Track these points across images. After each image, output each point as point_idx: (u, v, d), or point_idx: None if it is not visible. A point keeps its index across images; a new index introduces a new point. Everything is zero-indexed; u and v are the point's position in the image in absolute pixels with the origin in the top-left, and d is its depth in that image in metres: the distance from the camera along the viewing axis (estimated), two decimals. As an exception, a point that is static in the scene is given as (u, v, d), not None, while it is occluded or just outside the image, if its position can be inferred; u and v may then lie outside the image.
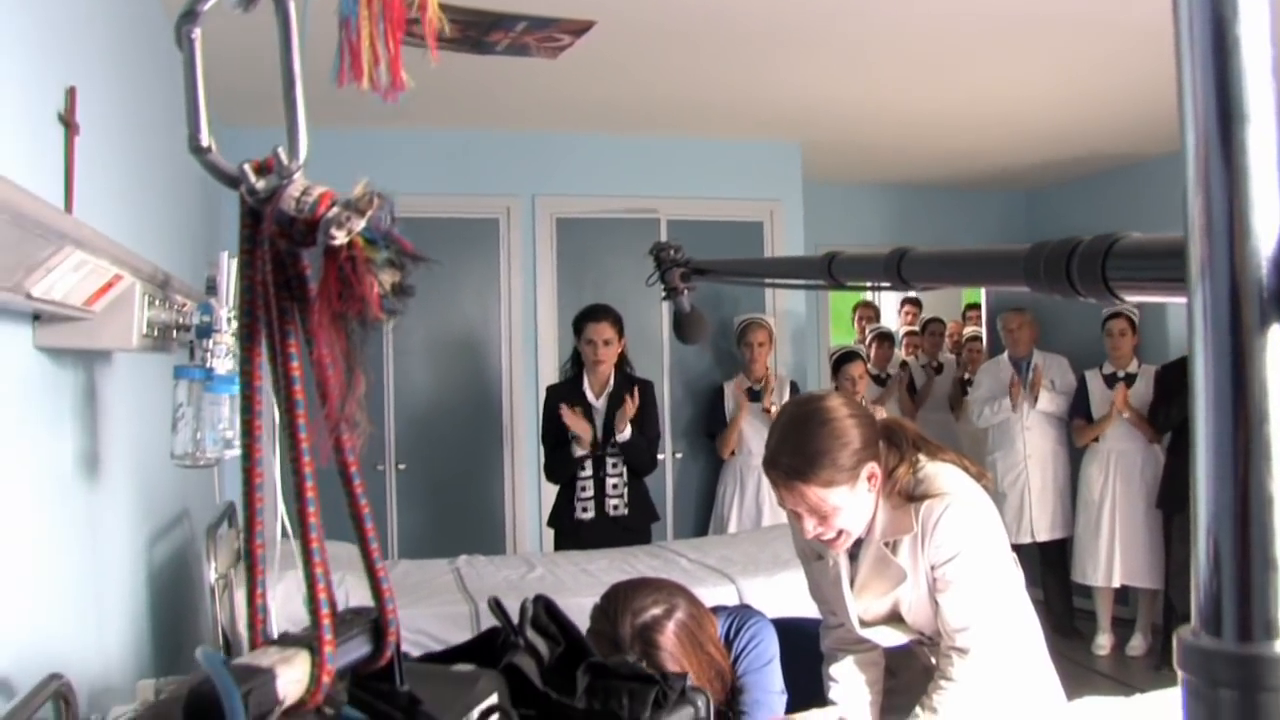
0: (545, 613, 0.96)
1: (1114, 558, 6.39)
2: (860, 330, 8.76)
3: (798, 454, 2.21)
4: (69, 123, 2.27)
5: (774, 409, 5.75)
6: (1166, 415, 6.04)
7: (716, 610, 2.50)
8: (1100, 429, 6.43)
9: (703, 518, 6.27)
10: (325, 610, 0.68)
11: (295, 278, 0.75)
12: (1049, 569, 6.84)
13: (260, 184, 0.73)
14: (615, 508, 4.99)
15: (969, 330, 8.46)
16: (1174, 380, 6.02)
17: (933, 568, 2.28)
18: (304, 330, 0.82)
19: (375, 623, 0.72)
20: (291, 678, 0.65)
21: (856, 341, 8.27)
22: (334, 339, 0.77)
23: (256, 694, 0.60)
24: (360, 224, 0.68)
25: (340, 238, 0.67)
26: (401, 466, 5.91)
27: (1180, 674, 0.50)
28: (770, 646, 2.55)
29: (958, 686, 2.27)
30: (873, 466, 2.24)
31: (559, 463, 5.03)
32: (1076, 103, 5.54)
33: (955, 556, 2.24)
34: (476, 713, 0.82)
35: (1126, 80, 5.05)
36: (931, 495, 2.25)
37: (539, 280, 6.11)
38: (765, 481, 5.67)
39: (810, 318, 7.27)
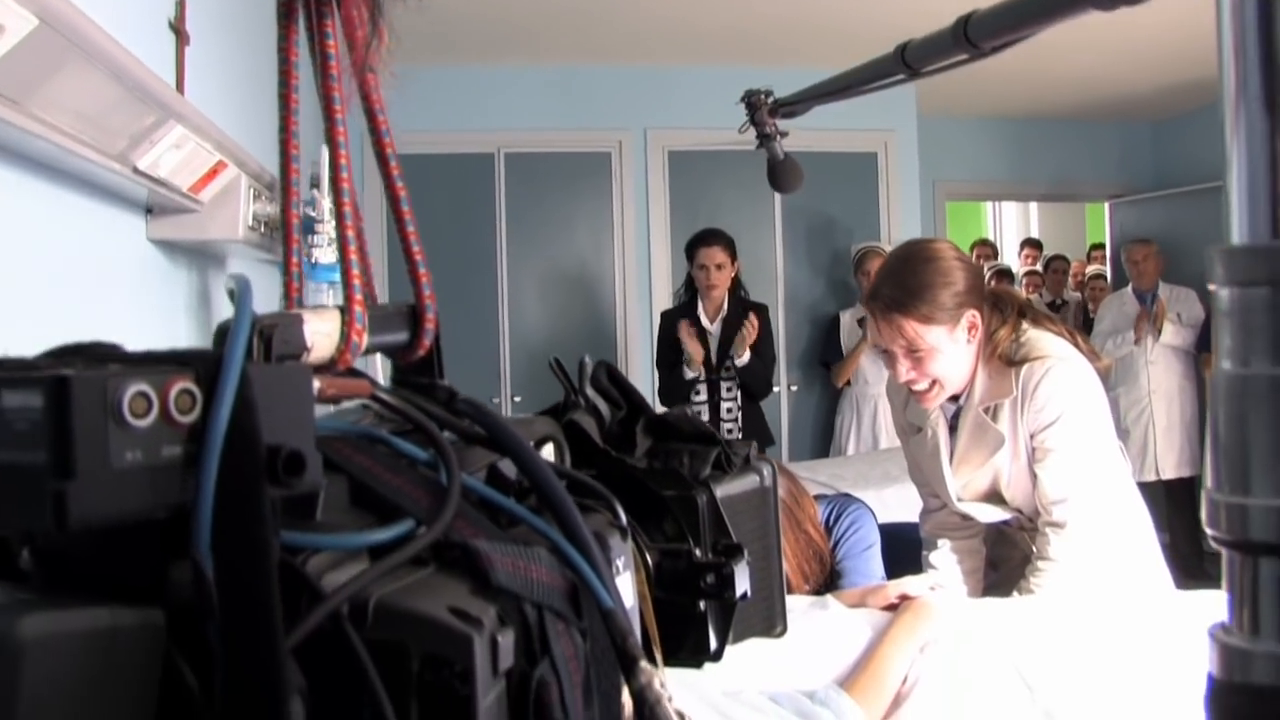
0: (607, 376, 0.88)
1: (1246, 494, 6.07)
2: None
3: (900, 286, 2.13)
4: (179, 30, 2.28)
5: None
6: None
7: (817, 498, 2.42)
8: None
9: (819, 448, 6.15)
10: (356, 271, 0.61)
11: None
12: (1176, 509, 6.52)
13: None
14: (730, 431, 4.91)
15: (1093, 269, 8.12)
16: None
17: (1032, 436, 2.17)
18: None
19: (412, 308, 0.65)
20: (320, 329, 0.58)
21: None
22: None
23: (282, 329, 0.53)
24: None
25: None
26: (517, 399, 5.92)
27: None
28: (870, 533, 2.46)
29: (1056, 566, 2.15)
30: (974, 315, 2.13)
31: (673, 385, 4.97)
32: (1199, 18, 5.22)
33: (1055, 421, 2.13)
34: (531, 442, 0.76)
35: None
36: (1033, 359, 2.13)
37: (651, 213, 6.04)
38: (883, 410, 5.65)
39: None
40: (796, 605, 1.93)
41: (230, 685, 0.40)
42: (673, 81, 5.99)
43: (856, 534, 2.40)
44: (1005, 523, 2.37)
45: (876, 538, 2.45)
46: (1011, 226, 9.75)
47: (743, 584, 0.73)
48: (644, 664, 0.52)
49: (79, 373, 0.38)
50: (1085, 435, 2.16)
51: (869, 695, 1.73)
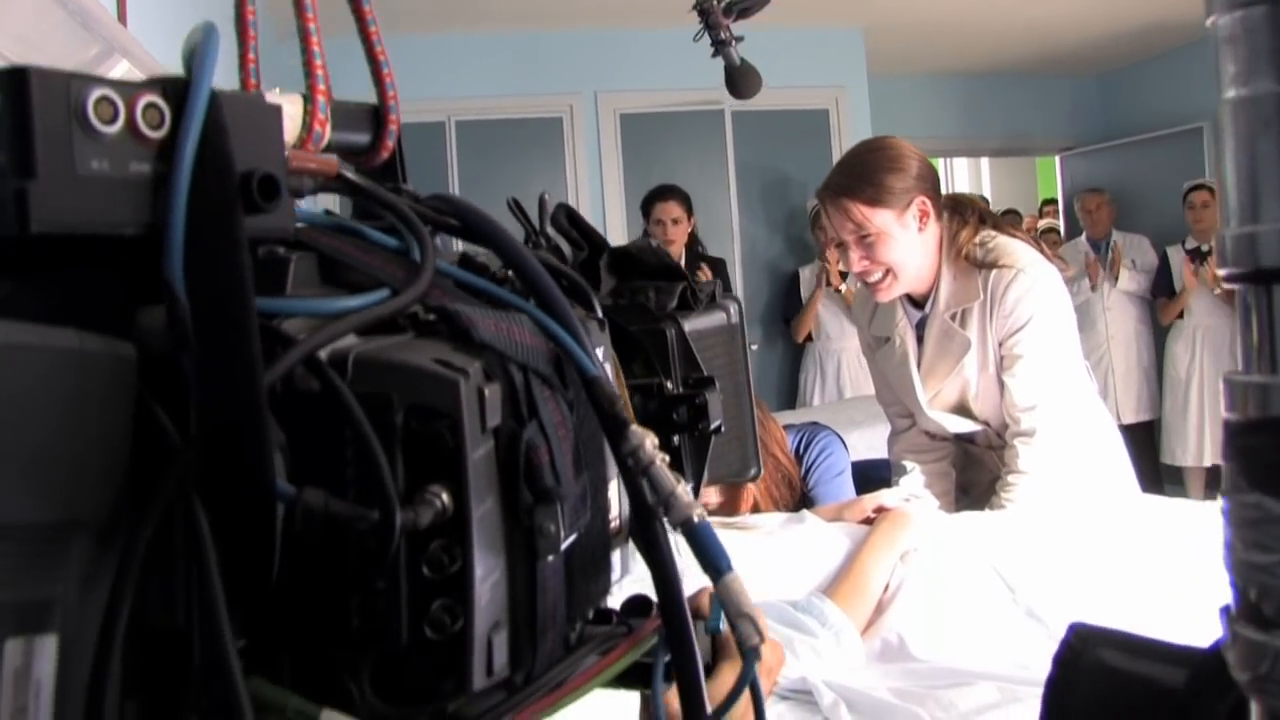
0: (566, 218, 0.87)
1: (1204, 436, 6.16)
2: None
3: (848, 172, 2.16)
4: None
5: (845, 289, 5.61)
6: None
7: (786, 428, 2.42)
8: (1184, 302, 6.18)
9: (785, 405, 6.17)
10: (319, 63, 0.58)
11: None
12: (1136, 452, 6.58)
13: None
14: (690, 390, 4.91)
15: (1045, 223, 8.19)
16: (1261, 247, 5.74)
17: (1001, 343, 2.16)
18: None
19: (375, 109, 0.63)
20: (285, 110, 0.56)
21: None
22: None
23: (246, 99, 0.51)
24: None
25: None
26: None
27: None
28: (841, 459, 2.46)
29: (1026, 478, 2.15)
30: (924, 202, 2.13)
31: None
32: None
33: (1024, 326, 2.13)
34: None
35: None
36: (1002, 265, 2.13)
37: (605, 177, 6.01)
38: (846, 365, 5.68)
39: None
40: (772, 520, 1.93)
41: (206, 420, 0.39)
42: (622, 44, 5.96)
43: (828, 460, 2.40)
44: (972, 440, 2.37)
45: (847, 464, 2.45)
46: (963, 183, 9.80)
47: (716, 415, 0.72)
48: (635, 427, 0.51)
49: (40, 68, 0.36)
50: (1054, 342, 2.17)
51: (852, 603, 1.73)
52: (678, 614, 0.52)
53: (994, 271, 2.14)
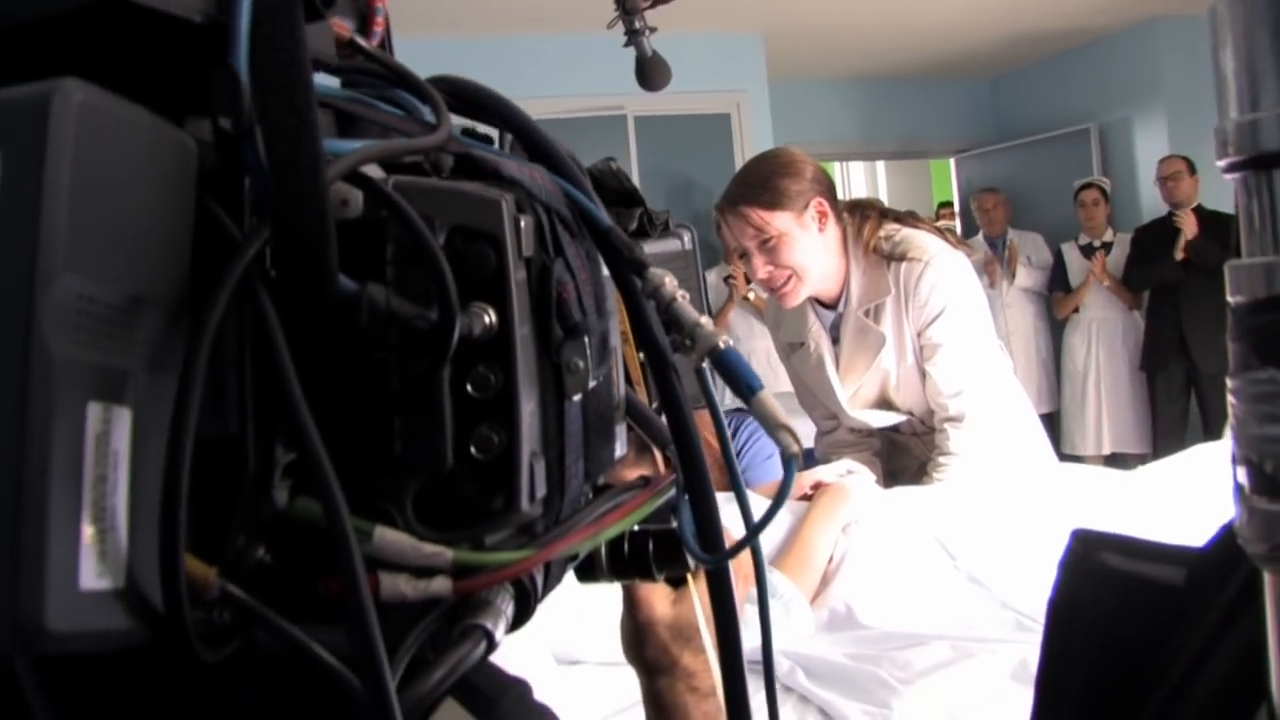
0: None
1: (1102, 425, 6.38)
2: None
3: (743, 182, 2.19)
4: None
5: (753, 296, 5.69)
6: (1144, 276, 6.00)
7: (716, 414, 2.44)
8: (1079, 297, 6.41)
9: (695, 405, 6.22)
10: None
11: None
12: (1038, 445, 6.82)
13: None
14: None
15: (942, 224, 8.38)
16: (1149, 242, 5.98)
17: (919, 334, 2.21)
18: None
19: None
20: None
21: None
22: None
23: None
24: None
25: None
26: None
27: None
28: (770, 443, 2.49)
29: (956, 459, 2.21)
30: (820, 203, 2.17)
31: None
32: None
33: (940, 314, 2.18)
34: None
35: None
36: (911, 256, 2.18)
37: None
38: (756, 365, 5.70)
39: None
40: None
41: (271, 209, 0.39)
42: (521, 50, 5.97)
43: (757, 444, 2.42)
44: (897, 429, 2.42)
45: (776, 448, 2.48)
46: (860, 186, 10.00)
47: None
48: (654, 269, 0.53)
49: None
50: (970, 326, 2.22)
51: (799, 574, 1.75)
52: (694, 454, 0.54)
53: (904, 264, 2.18)
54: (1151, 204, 6.41)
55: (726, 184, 2.25)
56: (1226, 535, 0.50)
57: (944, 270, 2.18)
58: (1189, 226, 5.64)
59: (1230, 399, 0.44)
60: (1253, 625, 0.48)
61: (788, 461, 0.48)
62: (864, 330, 2.25)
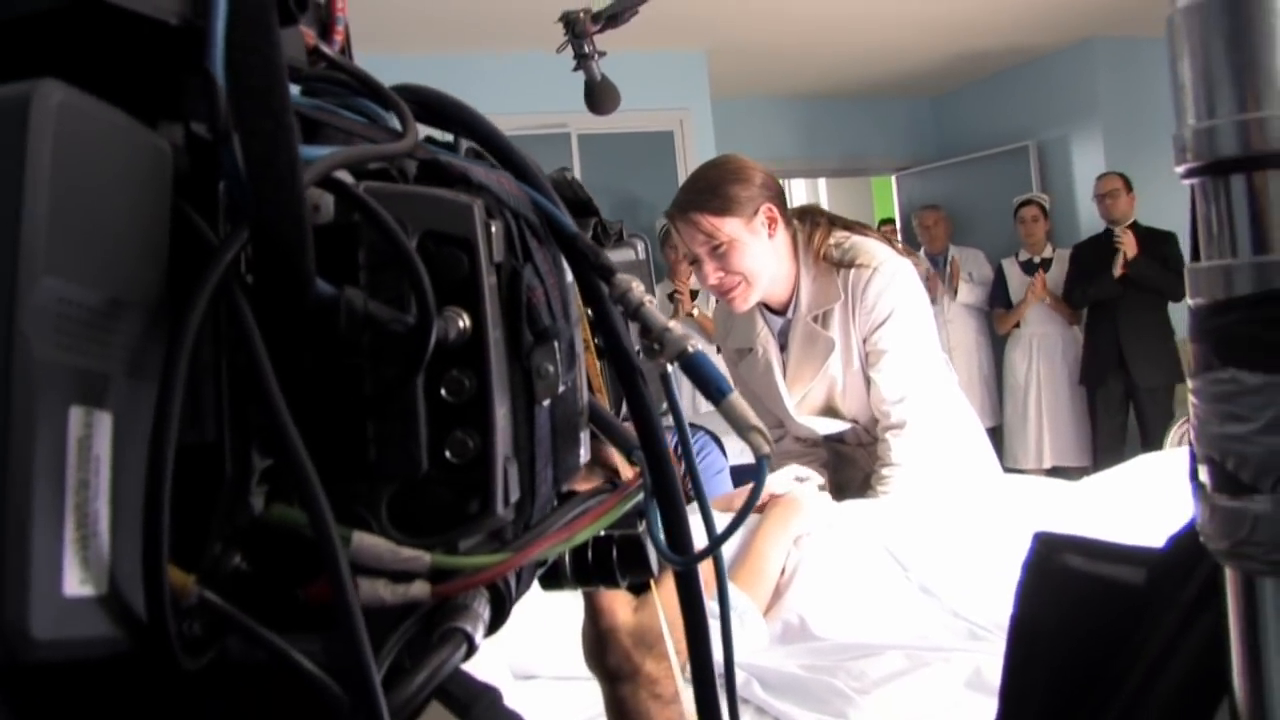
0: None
1: (1043, 440, 6.48)
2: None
3: (693, 189, 2.21)
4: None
5: (696, 313, 5.72)
6: (1084, 292, 6.08)
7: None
8: (1020, 314, 6.50)
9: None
10: None
11: None
12: (980, 459, 6.91)
13: None
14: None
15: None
16: (1088, 258, 6.07)
17: (865, 340, 2.24)
18: None
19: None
20: None
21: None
22: None
23: None
24: None
25: None
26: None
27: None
28: (719, 459, 2.50)
29: (900, 469, 2.22)
30: (770, 209, 2.19)
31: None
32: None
33: (886, 320, 2.20)
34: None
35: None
36: (860, 263, 2.21)
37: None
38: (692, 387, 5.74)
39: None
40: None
41: (248, 213, 0.40)
42: (463, 69, 5.96)
43: (706, 459, 2.43)
44: (842, 440, 2.44)
45: (725, 463, 2.49)
46: (802, 203, 10.07)
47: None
48: (621, 274, 0.53)
49: None
50: (916, 333, 2.25)
51: (751, 587, 1.76)
52: (661, 457, 0.55)
53: (852, 270, 2.21)
54: (1090, 220, 6.52)
55: (670, 201, 2.27)
56: (1186, 535, 0.51)
57: (891, 277, 2.21)
58: (1129, 245, 5.74)
59: (1191, 399, 0.45)
60: (1213, 623, 0.49)
61: (759, 461, 0.49)
62: (812, 336, 2.27)
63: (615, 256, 0.88)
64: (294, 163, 0.39)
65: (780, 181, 2.28)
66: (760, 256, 2.20)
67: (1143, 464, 2.35)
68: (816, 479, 2.10)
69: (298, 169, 0.39)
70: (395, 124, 0.55)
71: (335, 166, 0.43)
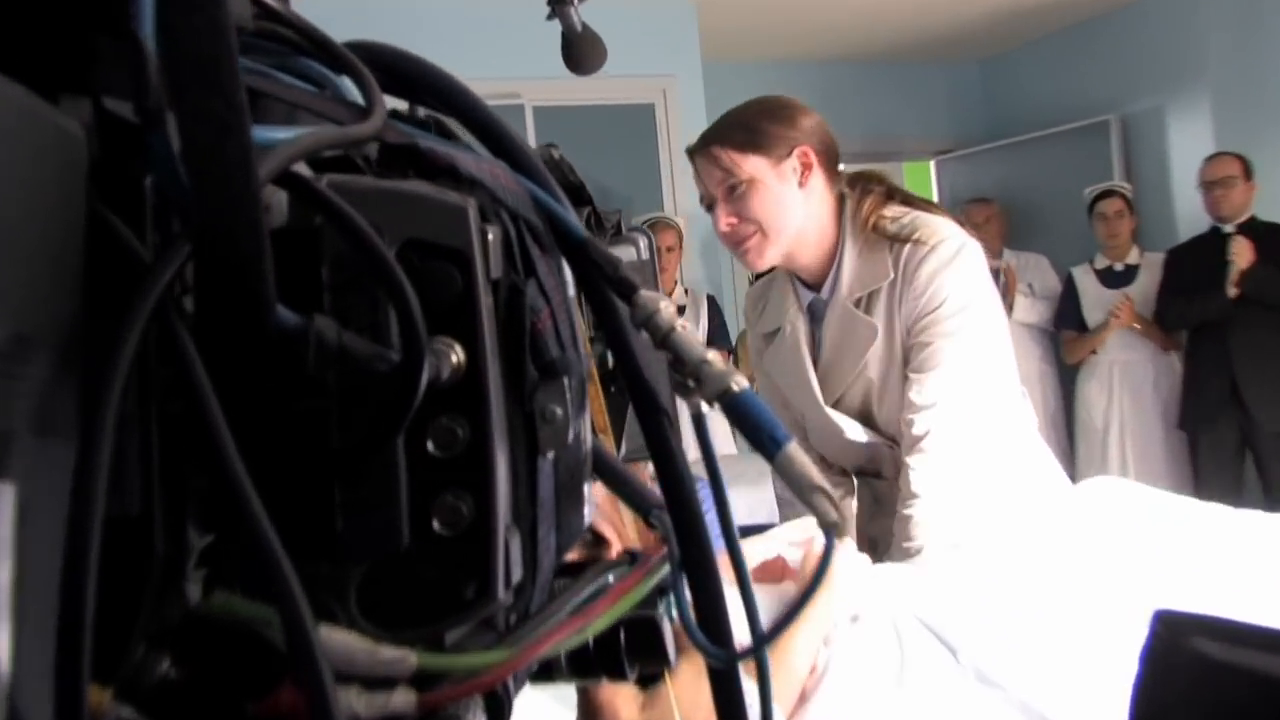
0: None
1: (1128, 494, 6.45)
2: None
3: (721, 122, 2.31)
4: None
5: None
6: (1183, 312, 5.95)
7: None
8: (1098, 341, 6.41)
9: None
10: None
11: None
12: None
13: None
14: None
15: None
16: (1188, 267, 5.96)
17: (909, 331, 2.25)
18: None
19: None
20: None
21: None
22: None
23: None
24: None
25: None
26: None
27: None
28: (705, 499, 2.50)
29: (921, 504, 2.21)
30: (807, 152, 2.25)
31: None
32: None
33: (938, 308, 2.21)
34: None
35: None
36: (917, 238, 2.23)
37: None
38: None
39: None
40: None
41: (188, 218, 0.39)
42: (385, 17, 5.95)
43: (706, 518, 2.42)
44: (880, 474, 2.42)
45: (710, 504, 2.49)
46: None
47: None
48: (645, 291, 0.53)
49: None
50: (973, 333, 2.24)
51: (774, 687, 1.75)
52: (693, 521, 0.56)
53: (907, 246, 2.23)
54: (1190, 216, 6.50)
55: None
56: None
57: (952, 257, 2.22)
58: (1243, 252, 5.59)
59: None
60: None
61: (827, 533, 0.49)
62: (851, 319, 2.30)
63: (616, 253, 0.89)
64: (247, 152, 0.39)
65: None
66: (785, 206, 2.26)
67: (1266, 524, 2.34)
68: (848, 547, 2.09)
69: (252, 161, 0.39)
70: (352, 92, 0.55)
71: (298, 156, 0.43)
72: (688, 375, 0.53)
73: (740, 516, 2.71)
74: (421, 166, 0.50)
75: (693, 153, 2.33)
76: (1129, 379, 6.45)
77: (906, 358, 2.27)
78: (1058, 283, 6.79)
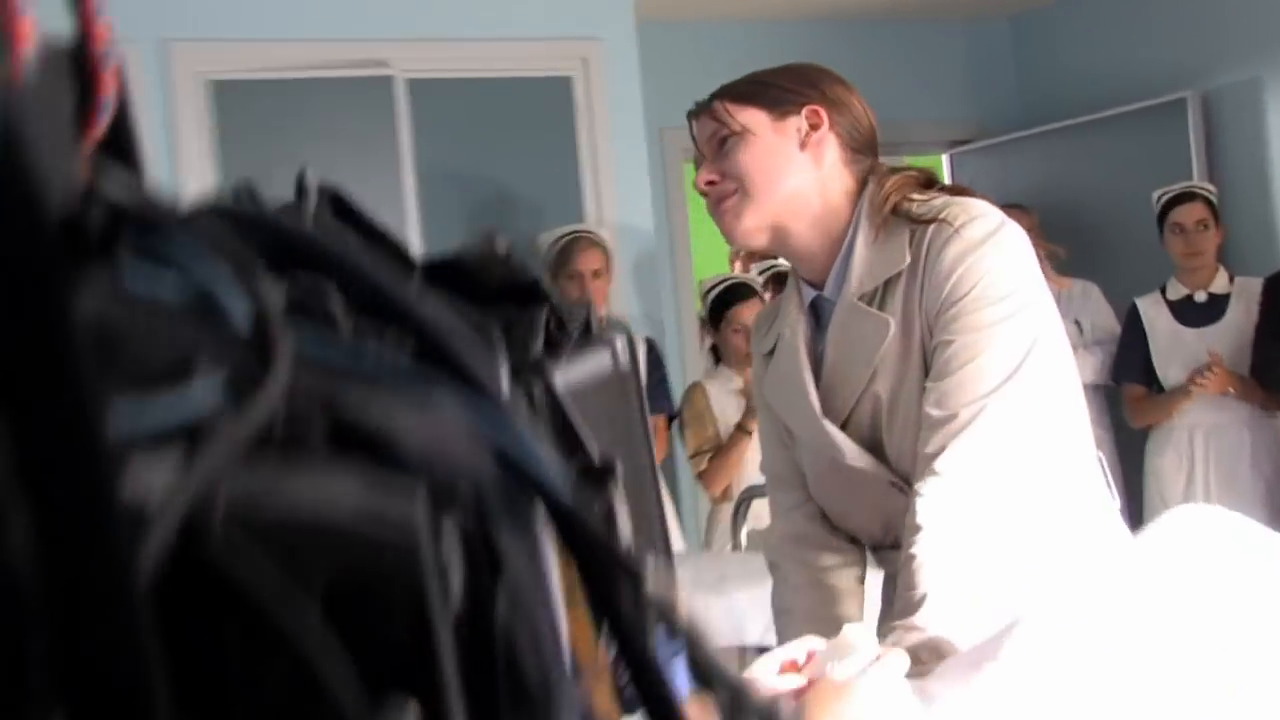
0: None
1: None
2: (743, 266, 8.66)
3: (737, 80, 2.48)
4: None
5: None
6: None
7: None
8: (1176, 405, 6.32)
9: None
10: None
11: None
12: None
13: None
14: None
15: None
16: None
17: (931, 330, 2.28)
18: None
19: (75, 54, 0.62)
20: None
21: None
22: None
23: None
24: None
25: None
26: None
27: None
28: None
29: (926, 537, 2.18)
30: (816, 112, 2.37)
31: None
32: None
33: (966, 295, 2.23)
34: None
35: None
36: (943, 218, 2.28)
37: (184, 180, 5.82)
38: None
39: (661, 236, 7.31)
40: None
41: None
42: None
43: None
44: (898, 544, 2.41)
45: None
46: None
47: (624, 518, 0.74)
48: (666, 599, 0.53)
49: None
50: (1009, 327, 2.25)
51: None
52: None
53: (931, 226, 2.28)
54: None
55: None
56: None
57: (985, 237, 2.25)
58: None
59: None
60: None
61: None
62: (859, 321, 2.35)
63: (583, 368, 0.87)
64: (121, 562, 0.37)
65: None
66: (775, 164, 2.37)
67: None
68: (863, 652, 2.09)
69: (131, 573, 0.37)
70: (232, 309, 0.52)
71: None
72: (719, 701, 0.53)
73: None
74: (346, 437, 0.48)
75: (692, 117, 2.47)
76: (1218, 450, 6.39)
77: (927, 366, 2.30)
78: (1115, 320, 6.77)
